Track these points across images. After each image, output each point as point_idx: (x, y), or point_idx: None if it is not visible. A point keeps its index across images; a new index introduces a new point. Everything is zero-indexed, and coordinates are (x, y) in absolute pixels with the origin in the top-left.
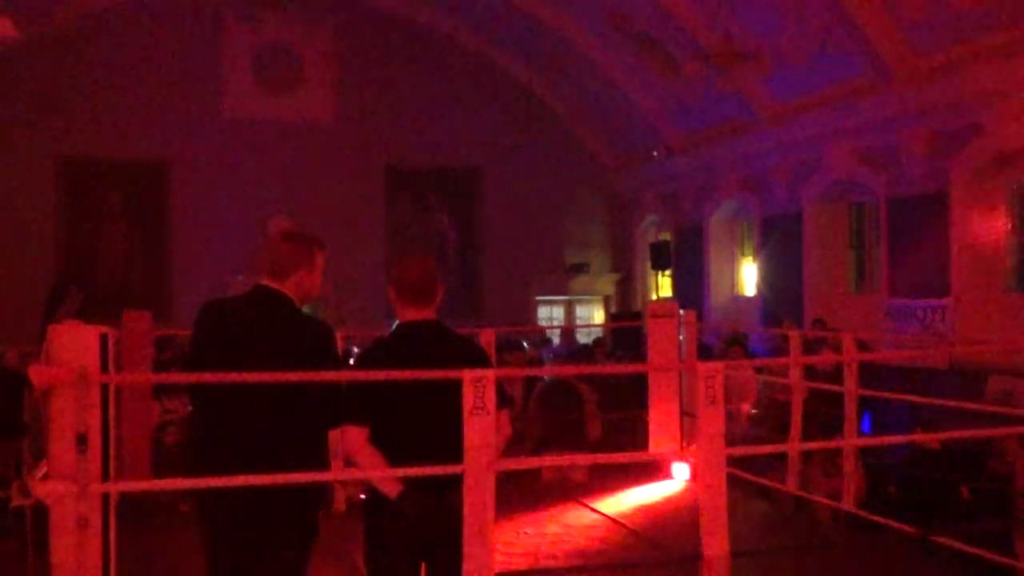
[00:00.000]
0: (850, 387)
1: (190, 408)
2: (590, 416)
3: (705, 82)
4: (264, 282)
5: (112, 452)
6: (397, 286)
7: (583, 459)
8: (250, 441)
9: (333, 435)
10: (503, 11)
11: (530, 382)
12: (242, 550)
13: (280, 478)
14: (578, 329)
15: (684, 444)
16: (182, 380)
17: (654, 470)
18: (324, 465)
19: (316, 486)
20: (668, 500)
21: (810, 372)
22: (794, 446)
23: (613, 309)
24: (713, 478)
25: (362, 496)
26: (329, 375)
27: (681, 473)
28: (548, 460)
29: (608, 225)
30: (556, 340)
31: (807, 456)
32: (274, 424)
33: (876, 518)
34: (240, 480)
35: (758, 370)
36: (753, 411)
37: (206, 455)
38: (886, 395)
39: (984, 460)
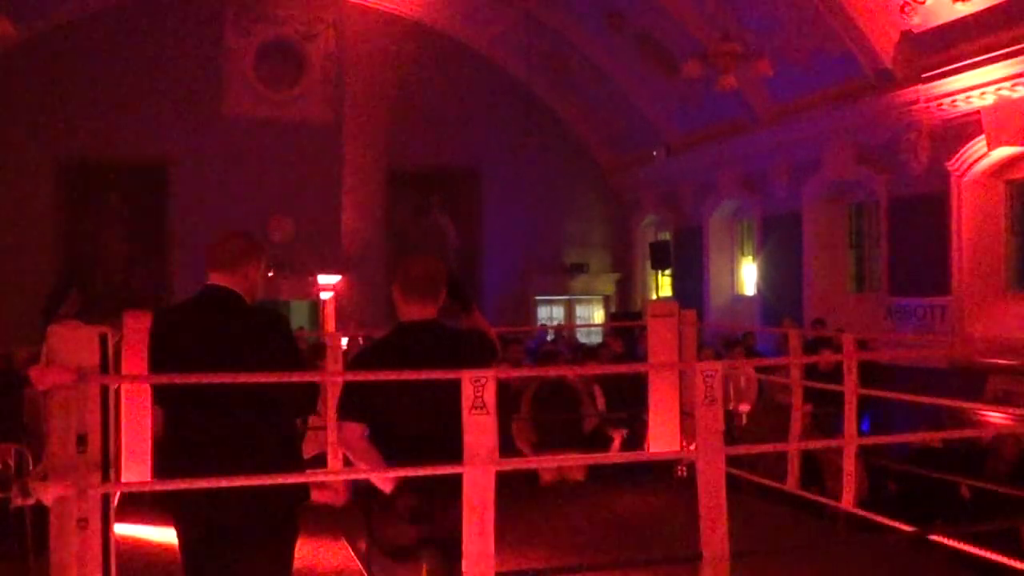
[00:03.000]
0: (850, 387)
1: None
2: (588, 415)
3: (705, 82)
4: (213, 281)
5: (112, 452)
6: (402, 283)
7: (583, 459)
8: (224, 441)
9: (332, 432)
10: (503, 11)
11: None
12: (223, 551)
13: (278, 478)
14: (578, 329)
15: (684, 444)
16: (180, 380)
17: (654, 469)
18: (298, 459)
19: (295, 484)
20: (668, 500)
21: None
22: (794, 446)
23: (613, 309)
24: (713, 478)
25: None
26: (299, 371)
27: (681, 473)
28: (548, 460)
29: (608, 225)
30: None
31: None
32: (246, 421)
33: (876, 518)
34: (239, 481)
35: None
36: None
37: (181, 458)
38: (886, 395)
39: (984, 459)
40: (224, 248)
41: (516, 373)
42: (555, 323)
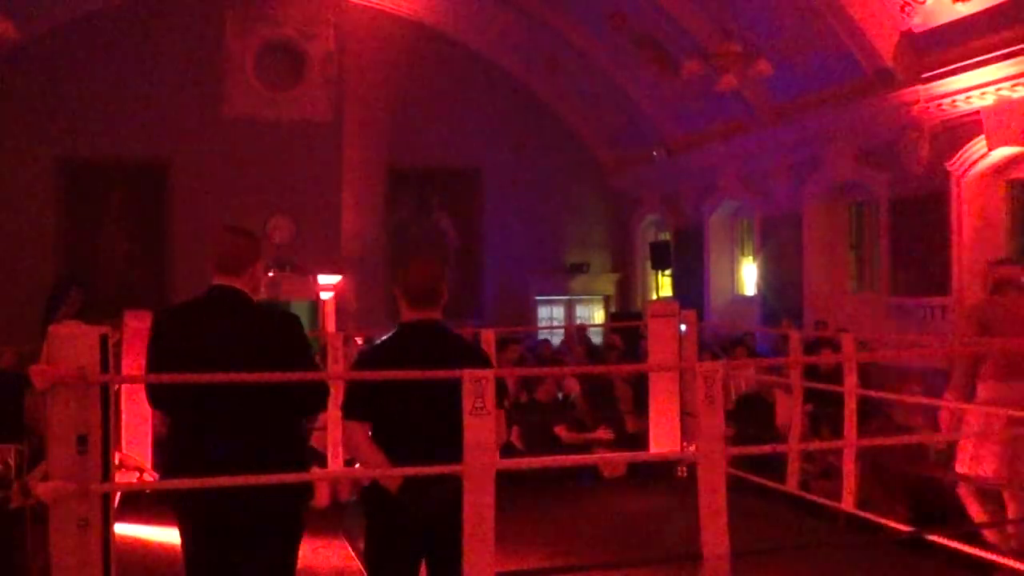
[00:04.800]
0: (850, 387)
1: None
2: (628, 413)
3: (705, 82)
4: (218, 281)
5: (112, 452)
6: (405, 288)
7: (583, 459)
8: (232, 441)
9: (334, 432)
10: (503, 11)
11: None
12: (229, 549)
13: (276, 478)
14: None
15: (684, 444)
16: (181, 380)
17: (654, 469)
18: (305, 459)
19: (301, 483)
20: (668, 500)
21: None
22: (794, 446)
23: (613, 309)
24: (713, 478)
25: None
26: (308, 370)
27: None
28: (549, 460)
29: (608, 225)
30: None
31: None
32: (255, 421)
33: (876, 518)
34: (240, 480)
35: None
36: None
37: (189, 456)
38: (886, 395)
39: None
40: (229, 250)
41: (516, 373)
42: (556, 323)
